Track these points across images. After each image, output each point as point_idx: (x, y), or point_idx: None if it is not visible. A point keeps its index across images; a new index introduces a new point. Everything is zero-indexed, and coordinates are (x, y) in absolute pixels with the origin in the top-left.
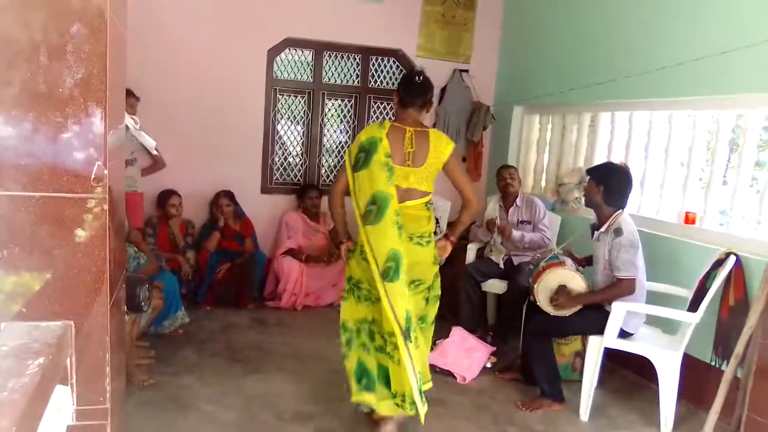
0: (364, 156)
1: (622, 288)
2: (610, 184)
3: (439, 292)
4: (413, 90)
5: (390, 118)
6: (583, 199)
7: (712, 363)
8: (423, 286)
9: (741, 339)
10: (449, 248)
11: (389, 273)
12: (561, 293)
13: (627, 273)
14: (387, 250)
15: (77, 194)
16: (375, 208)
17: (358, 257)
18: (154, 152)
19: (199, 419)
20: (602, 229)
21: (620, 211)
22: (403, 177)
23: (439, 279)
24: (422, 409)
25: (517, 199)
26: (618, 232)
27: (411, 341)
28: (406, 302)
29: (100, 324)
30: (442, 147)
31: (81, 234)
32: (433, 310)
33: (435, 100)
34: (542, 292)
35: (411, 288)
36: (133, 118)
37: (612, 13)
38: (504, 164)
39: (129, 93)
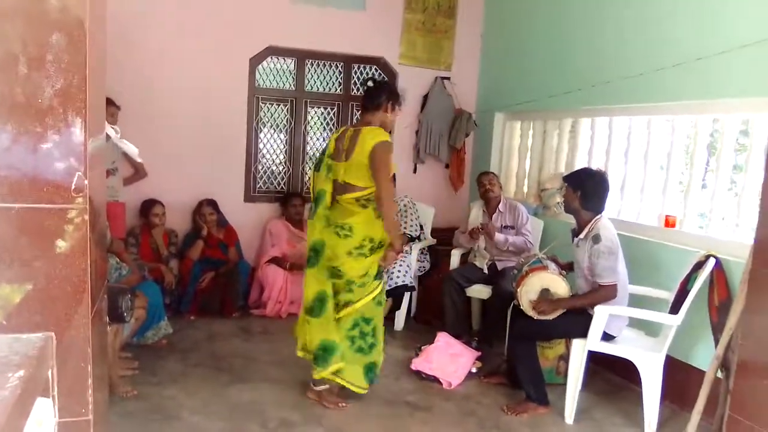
0: (320, 156)
1: (604, 294)
2: (587, 189)
3: (363, 282)
4: (365, 96)
5: None
6: (563, 207)
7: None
8: (340, 275)
9: (722, 340)
10: (391, 256)
11: (310, 260)
12: (543, 300)
13: (608, 279)
14: (311, 241)
15: (57, 205)
16: (314, 204)
17: None
18: (138, 159)
19: (184, 429)
20: (581, 236)
21: (599, 216)
22: (337, 172)
23: (361, 272)
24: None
25: (500, 205)
26: (596, 239)
27: (313, 317)
28: (316, 285)
29: (82, 335)
30: (366, 141)
31: (61, 245)
32: (357, 296)
33: (417, 106)
34: (525, 296)
35: (331, 273)
36: (113, 128)
37: (591, 20)
38: (483, 171)
39: (109, 102)
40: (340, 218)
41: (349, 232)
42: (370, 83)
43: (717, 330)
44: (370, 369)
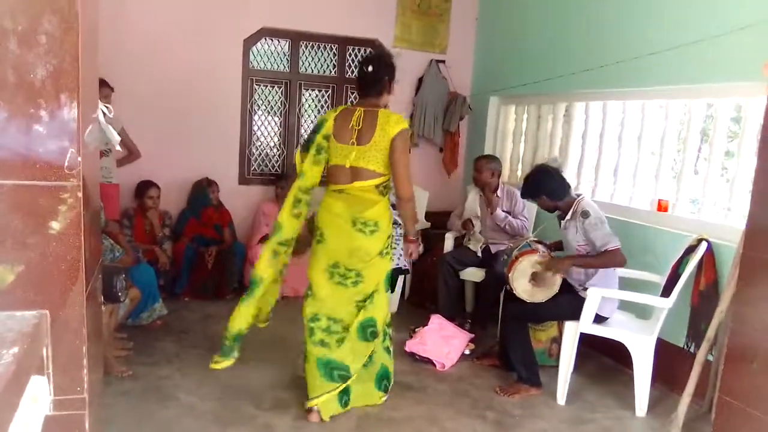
0: (313, 137)
1: (612, 256)
2: (548, 190)
3: (382, 297)
4: (365, 80)
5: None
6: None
7: (686, 348)
8: (353, 279)
9: (712, 323)
10: (413, 248)
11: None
12: (553, 259)
13: (612, 244)
14: (275, 221)
15: (51, 182)
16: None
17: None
18: (117, 148)
19: (179, 409)
20: (568, 217)
21: (580, 196)
22: (345, 155)
23: (384, 279)
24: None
25: (498, 191)
26: (585, 214)
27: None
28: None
29: (77, 313)
30: (390, 125)
31: (55, 222)
32: (367, 314)
33: (411, 89)
34: (517, 280)
35: (335, 278)
36: (106, 106)
37: (586, 3)
38: (478, 156)
39: (103, 83)
40: (358, 211)
41: (375, 227)
42: (370, 67)
43: (695, 312)
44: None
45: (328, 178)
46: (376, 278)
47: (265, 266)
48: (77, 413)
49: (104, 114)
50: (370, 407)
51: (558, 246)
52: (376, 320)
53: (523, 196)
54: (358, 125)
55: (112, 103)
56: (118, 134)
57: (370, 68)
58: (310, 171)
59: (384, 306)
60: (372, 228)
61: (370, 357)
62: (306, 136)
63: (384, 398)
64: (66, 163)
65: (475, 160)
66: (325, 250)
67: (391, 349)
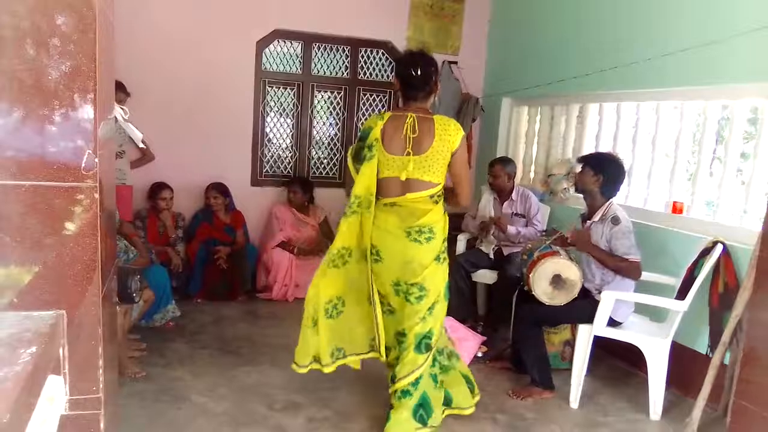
0: (363, 145)
1: (632, 267)
2: (609, 174)
3: (442, 307)
4: (414, 84)
5: (383, 110)
6: (572, 189)
7: (708, 353)
8: (416, 295)
9: (728, 327)
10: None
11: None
12: (581, 232)
13: (633, 257)
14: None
15: (68, 183)
16: (356, 202)
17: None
18: (141, 145)
19: (191, 410)
20: (595, 219)
21: (611, 200)
22: (401, 167)
23: (444, 287)
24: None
25: (513, 193)
26: (615, 220)
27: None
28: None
29: (93, 314)
30: (450, 133)
31: (71, 223)
32: (426, 326)
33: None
34: (538, 282)
35: (396, 292)
36: (123, 108)
37: (600, 4)
38: (494, 159)
39: (121, 87)
40: (412, 220)
41: (431, 234)
42: (419, 69)
43: (714, 316)
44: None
45: (377, 191)
46: (437, 287)
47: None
48: (93, 413)
49: (118, 118)
50: (381, 409)
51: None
52: (434, 332)
53: (583, 158)
54: (414, 133)
55: (127, 105)
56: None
57: (419, 70)
58: (374, 184)
59: (442, 317)
60: (428, 235)
61: (416, 382)
62: (355, 144)
63: (420, 430)
64: (83, 165)
65: (490, 164)
66: (385, 268)
67: (440, 379)
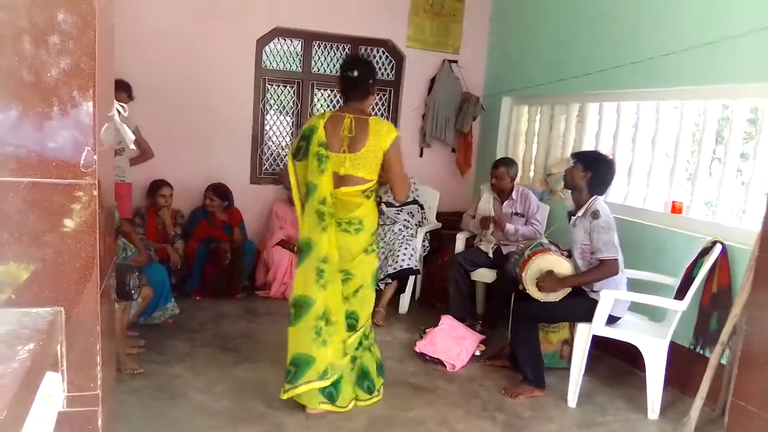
0: (304, 145)
1: (607, 269)
2: (598, 172)
3: (369, 290)
4: (349, 85)
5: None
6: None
7: (691, 347)
8: (341, 274)
9: (726, 326)
10: None
11: (300, 258)
12: (547, 276)
13: (609, 253)
14: (303, 238)
15: (66, 180)
16: (305, 197)
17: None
18: (132, 147)
19: (190, 408)
20: (579, 213)
21: (595, 196)
22: (339, 164)
23: (369, 274)
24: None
25: (513, 192)
26: (595, 214)
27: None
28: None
29: (91, 311)
30: (383, 134)
31: (70, 220)
32: (350, 307)
33: (424, 90)
34: (530, 280)
35: (342, 279)
36: (122, 105)
37: (600, 4)
38: (496, 160)
39: (125, 89)
40: (344, 213)
41: (360, 225)
42: (356, 71)
43: (702, 315)
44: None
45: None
46: (364, 275)
47: (307, 285)
48: (91, 410)
49: (119, 113)
50: (380, 408)
51: (570, 253)
52: (358, 315)
53: (576, 154)
54: (350, 133)
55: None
56: (132, 133)
57: (355, 72)
58: (320, 183)
59: (368, 303)
60: (357, 226)
61: (353, 359)
62: (294, 143)
63: (371, 399)
64: (81, 161)
65: (494, 165)
66: (316, 252)
67: (373, 349)
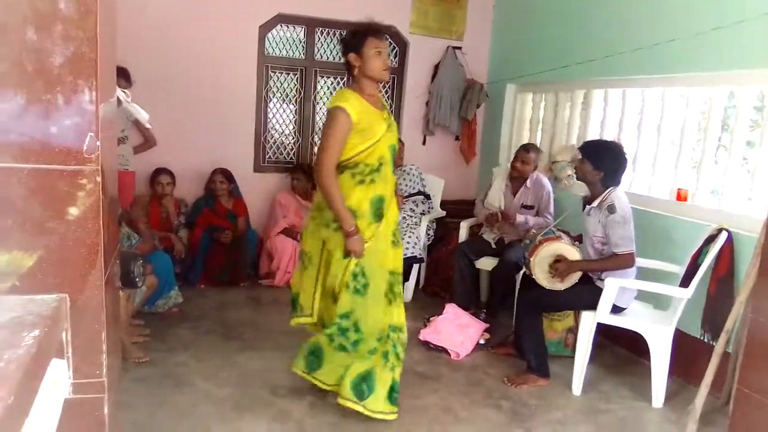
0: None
1: (622, 260)
2: (609, 168)
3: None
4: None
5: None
6: (575, 176)
7: (701, 337)
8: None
9: (731, 314)
10: (351, 243)
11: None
12: (562, 260)
13: (625, 248)
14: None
15: (70, 166)
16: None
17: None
18: (148, 125)
19: (195, 395)
20: (594, 204)
21: (614, 187)
22: None
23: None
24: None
25: (528, 181)
26: (611, 209)
27: None
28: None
29: (96, 298)
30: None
31: (74, 207)
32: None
33: (427, 76)
34: (539, 265)
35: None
36: (124, 92)
37: None
38: (525, 144)
39: (124, 75)
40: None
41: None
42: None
43: (710, 303)
44: (363, 378)
45: None
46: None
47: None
48: (96, 396)
49: (121, 100)
50: None
51: (581, 239)
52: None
53: (583, 148)
54: None
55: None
56: (133, 123)
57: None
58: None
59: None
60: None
61: (385, 355)
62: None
63: (355, 405)
64: (85, 148)
65: (523, 148)
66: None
67: (396, 369)
